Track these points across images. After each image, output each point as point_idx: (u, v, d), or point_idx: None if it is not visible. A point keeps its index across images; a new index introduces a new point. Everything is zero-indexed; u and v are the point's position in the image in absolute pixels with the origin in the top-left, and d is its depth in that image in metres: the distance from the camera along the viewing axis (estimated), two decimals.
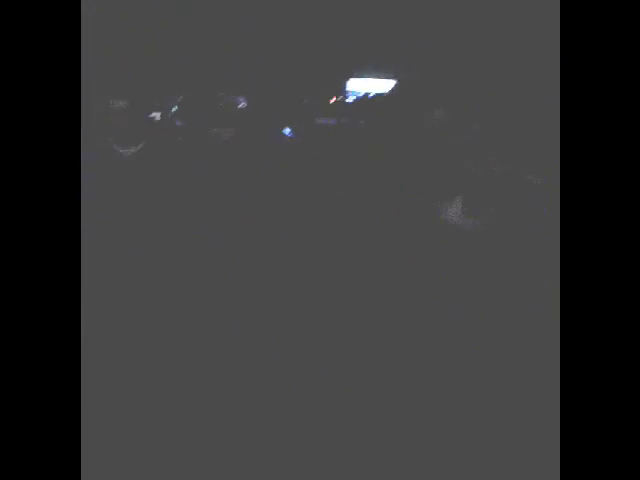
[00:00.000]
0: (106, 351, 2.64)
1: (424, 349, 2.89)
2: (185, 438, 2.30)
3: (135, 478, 2.38)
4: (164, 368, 2.60)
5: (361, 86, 18.54)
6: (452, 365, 2.79)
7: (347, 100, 18.16)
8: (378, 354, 2.73)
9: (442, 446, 2.60)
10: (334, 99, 17.95)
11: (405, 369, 2.78)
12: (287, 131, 3.89)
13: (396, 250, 2.70)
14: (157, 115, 12.17)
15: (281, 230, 2.04)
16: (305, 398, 2.10)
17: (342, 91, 19.18)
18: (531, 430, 2.52)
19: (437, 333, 2.84)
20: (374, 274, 2.64)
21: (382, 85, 18.55)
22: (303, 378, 2.19)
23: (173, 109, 14.95)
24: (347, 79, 19.42)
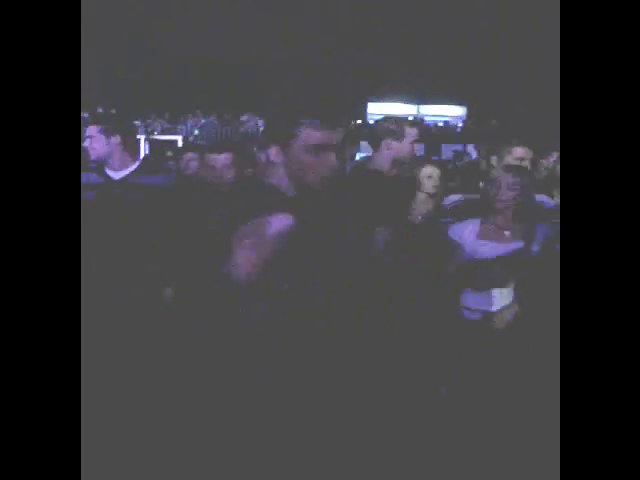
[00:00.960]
0: (106, 352, 2.65)
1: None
2: (182, 440, 2.34)
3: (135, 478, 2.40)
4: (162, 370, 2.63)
5: (381, 110, 18.60)
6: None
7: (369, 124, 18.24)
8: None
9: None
10: (355, 123, 18.05)
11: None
12: None
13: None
14: (179, 139, 12.38)
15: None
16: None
17: (363, 115, 19.27)
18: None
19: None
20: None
21: (402, 110, 18.64)
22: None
23: (195, 132, 15.12)
24: (366, 103, 19.52)
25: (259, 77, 16.93)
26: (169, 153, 8.11)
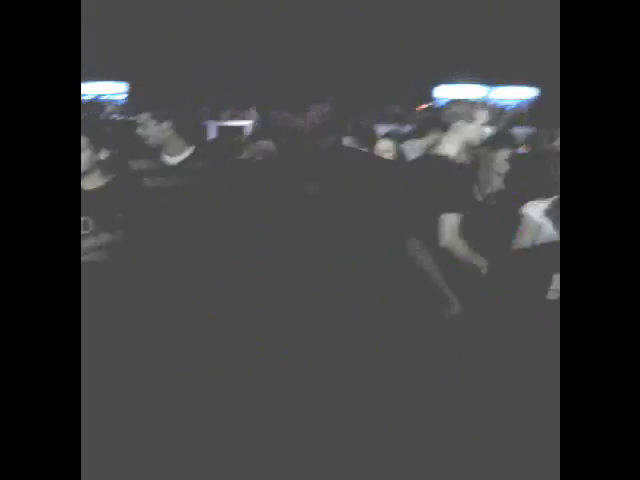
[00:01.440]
0: (106, 352, 2.64)
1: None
2: (183, 440, 2.35)
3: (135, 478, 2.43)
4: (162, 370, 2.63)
5: (451, 93, 18.20)
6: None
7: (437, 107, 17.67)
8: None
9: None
10: (423, 106, 17.67)
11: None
12: None
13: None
14: (247, 124, 12.41)
15: None
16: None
17: (432, 98, 18.87)
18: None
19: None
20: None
21: (473, 92, 18.19)
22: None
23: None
24: (434, 85, 19.12)
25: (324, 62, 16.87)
26: (237, 138, 8.14)
